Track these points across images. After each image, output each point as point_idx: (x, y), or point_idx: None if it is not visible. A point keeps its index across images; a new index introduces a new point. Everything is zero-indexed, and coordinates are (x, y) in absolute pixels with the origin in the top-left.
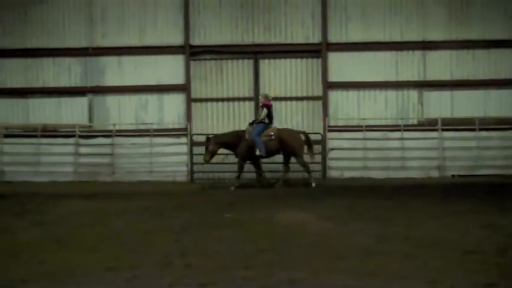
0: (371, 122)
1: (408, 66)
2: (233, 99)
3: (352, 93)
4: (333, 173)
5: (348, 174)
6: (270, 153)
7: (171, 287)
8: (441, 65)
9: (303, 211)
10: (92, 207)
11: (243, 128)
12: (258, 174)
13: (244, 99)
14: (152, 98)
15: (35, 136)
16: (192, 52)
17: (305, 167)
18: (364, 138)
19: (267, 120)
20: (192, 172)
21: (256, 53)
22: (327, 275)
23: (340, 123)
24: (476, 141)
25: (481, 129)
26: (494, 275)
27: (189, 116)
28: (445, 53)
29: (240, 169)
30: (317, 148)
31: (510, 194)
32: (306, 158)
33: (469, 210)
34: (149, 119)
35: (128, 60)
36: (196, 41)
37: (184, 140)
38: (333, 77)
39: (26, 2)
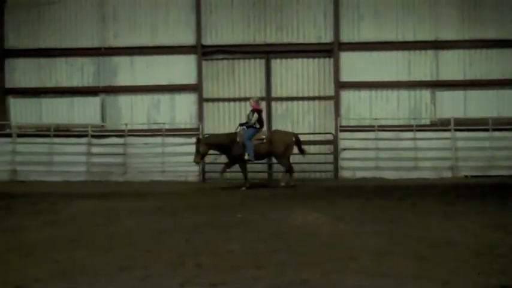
0: (383, 122)
1: (421, 66)
2: (245, 99)
3: (364, 93)
4: (345, 173)
5: (360, 174)
6: (260, 157)
7: (182, 287)
8: (454, 64)
9: (315, 211)
10: (105, 206)
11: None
12: (245, 177)
13: None
14: (164, 98)
15: (48, 136)
16: (204, 52)
17: (286, 167)
18: (376, 139)
19: (258, 125)
20: (204, 172)
21: (268, 52)
22: (339, 275)
23: (352, 123)
24: (489, 142)
25: (494, 130)
26: (507, 276)
27: (200, 116)
28: (457, 53)
29: (244, 170)
30: (329, 148)
31: None
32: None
33: (482, 211)
34: (161, 118)
35: (140, 60)
36: (208, 40)
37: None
38: (345, 77)
39: (39, 2)
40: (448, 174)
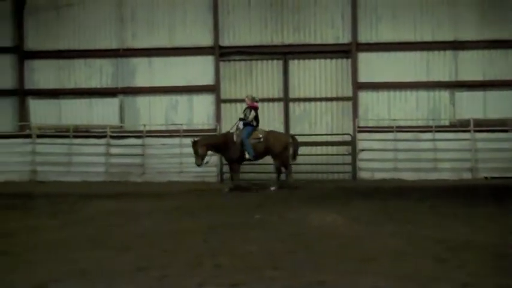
0: (402, 123)
1: (439, 66)
2: (262, 100)
3: (383, 94)
4: (363, 174)
5: (378, 175)
6: (257, 156)
7: (200, 287)
8: (473, 65)
9: (332, 212)
10: (123, 207)
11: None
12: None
13: (273, 100)
14: (182, 99)
15: (67, 136)
16: (222, 53)
17: (278, 170)
18: (394, 139)
19: (254, 123)
20: (221, 173)
21: (286, 53)
22: (356, 276)
23: (371, 124)
24: (509, 143)
25: None
26: None
27: (218, 117)
28: (477, 53)
29: (235, 171)
30: (347, 149)
31: None
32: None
33: (502, 213)
34: (179, 119)
35: (158, 61)
36: (225, 41)
37: None
38: (363, 78)
39: (58, 4)
40: (467, 175)
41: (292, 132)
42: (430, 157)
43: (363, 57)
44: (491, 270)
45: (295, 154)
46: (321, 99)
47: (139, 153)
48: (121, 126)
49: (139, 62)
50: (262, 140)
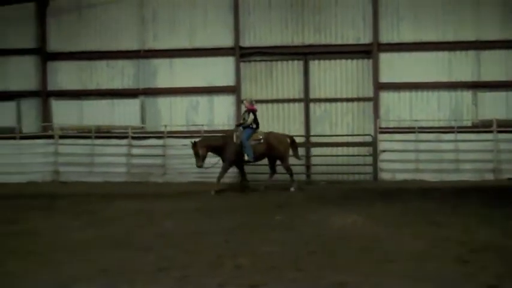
0: (423, 124)
1: (462, 66)
2: (283, 101)
3: (404, 94)
4: (384, 175)
5: (399, 176)
6: (257, 158)
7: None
8: (496, 65)
9: (354, 214)
10: (144, 207)
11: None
12: (243, 178)
13: (294, 100)
14: (202, 100)
15: (89, 137)
16: (242, 53)
17: (288, 170)
18: (416, 140)
19: (254, 126)
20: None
21: (306, 54)
22: (378, 278)
23: (392, 124)
24: None
25: None
26: None
27: (238, 118)
28: (500, 53)
29: (224, 173)
30: (368, 150)
31: None
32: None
33: None
34: (200, 120)
35: (178, 62)
36: (246, 42)
37: None
38: (384, 78)
39: (80, 5)
40: (490, 176)
41: (312, 133)
42: (452, 158)
43: (384, 57)
44: None
45: (297, 154)
46: (341, 100)
47: (160, 153)
48: (142, 127)
49: (161, 63)
50: (262, 141)
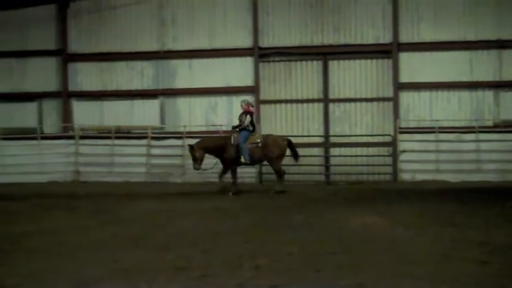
0: (444, 124)
1: (483, 66)
2: (302, 101)
3: (424, 94)
4: (404, 176)
5: (419, 177)
6: (255, 161)
7: None
8: None
9: (373, 215)
10: (163, 207)
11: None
12: (221, 176)
13: (313, 100)
14: (221, 100)
15: (109, 138)
16: (261, 54)
17: (278, 173)
18: (436, 140)
19: (251, 128)
20: (261, 173)
21: (326, 54)
22: (397, 279)
23: (412, 124)
24: None
25: None
26: None
27: (257, 118)
28: None
29: (234, 175)
30: (387, 150)
31: None
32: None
33: None
34: (219, 120)
35: (198, 62)
36: (265, 42)
37: None
38: (404, 78)
39: (100, 7)
40: (511, 177)
41: (331, 133)
42: (473, 158)
43: (404, 57)
44: None
45: (296, 156)
46: (361, 100)
47: (180, 154)
48: (162, 128)
49: (180, 64)
50: (260, 144)
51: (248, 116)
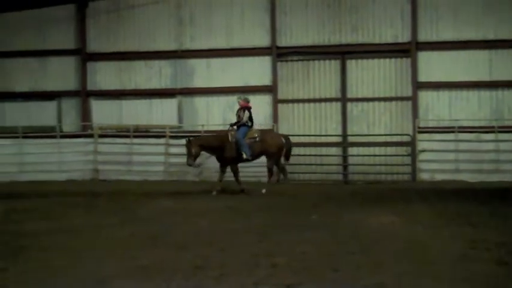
0: (463, 124)
1: (503, 65)
2: (320, 100)
3: (443, 94)
4: (423, 176)
5: (438, 176)
6: (254, 156)
7: (256, 287)
8: None
9: (391, 214)
10: (180, 206)
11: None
12: (221, 176)
13: (330, 100)
14: None
15: (128, 136)
16: (279, 53)
17: (270, 171)
18: (456, 140)
19: (249, 123)
20: (278, 172)
21: (344, 53)
22: (415, 279)
23: (431, 124)
24: None
25: None
26: None
27: (275, 117)
28: None
29: (236, 173)
30: (406, 150)
31: None
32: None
33: None
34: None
35: (215, 62)
36: (282, 42)
37: None
38: (422, 77)
39: (119, 7)
40: None
41: (349, 132)
42: (492, 158)
43: (423, 56)
44: None
45: (288, 155)
46: (379, 99)
47: None
48: (180, 126)
49: (198, 63)
50: (258, 139)
51: (246, 111)
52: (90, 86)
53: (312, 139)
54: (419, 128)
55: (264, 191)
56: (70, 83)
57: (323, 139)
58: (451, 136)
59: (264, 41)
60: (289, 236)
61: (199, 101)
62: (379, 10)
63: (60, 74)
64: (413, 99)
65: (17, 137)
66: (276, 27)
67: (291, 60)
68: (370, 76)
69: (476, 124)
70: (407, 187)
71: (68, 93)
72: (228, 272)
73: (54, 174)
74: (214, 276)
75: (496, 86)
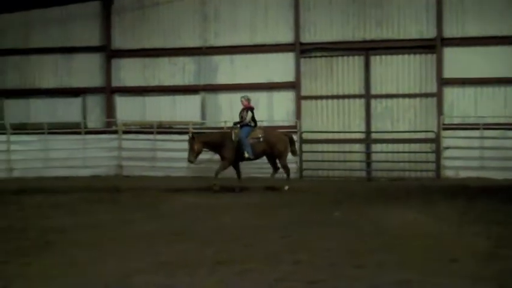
0: (489, 120)
1: None
2: (343, 97)
3: (469, 90)
4: (447, 173)
5: (463, 174)
6: (257, 156)
7: (279, 283)
8: None
9: (415, 211)
10: (203, 201)
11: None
12: (239, 177)
13: (354, 96)
14: (262, 96)
15: (151, 133)
16: (302, 49)
17: (285, 169)
18: (481, 137)
19: (252, 124)
20: (301, 169)
21: (368, 49)
22: (441, 277)
23: (456, 121)
24: None
25: None
26: None
27: (298, 114)
28: None
29: (221, 170)
30: (430, 147)
31: None
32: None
33: None
34: (259, 116)
35: (239, 58)
36: (306, 38)
37: (293, 137)
38: (448, 73)
39: (144, 3)
40: None
41: (373, 129)
42: None
43: (448, 52)
44: None
45: (294, 151)
46: (403, 96)
47: None
48: (203, 123)
49: (221, 60)
50: (261, 139)
51: (249, 112)
52: (114, 83)
53: (335, 136)
54: (443, 124)
55: (286, 188)
56: (95, 79)
57: (346, 136)
58: (476, 133)
59: (287, 37)
60: (313, 232)
61: (223, 98)
62: (404, 5)
63: (85, 70)
64: (438, 96)
65: (43, 133)
66: (299, 23)
67: (315, 57)
68: (395, 72)
69: (502, 121)
70: (432, 184)
71: (92, 89)
72: (251, 268)
73: (79, 170)
74: (236, 272)
75: None
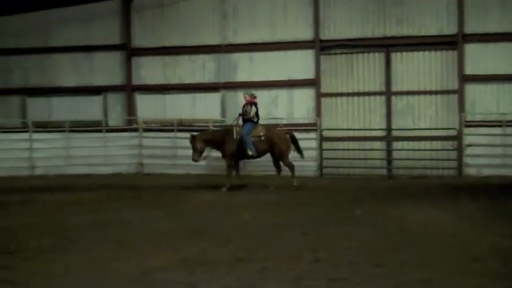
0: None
1: None
2: (363, 94)
3: (491, 87)
4: (469, 171)
5: (486, 172)
6: (259, 154)
7: (298, 281)
8: None
9: (437, 210)
10: (223, 199)
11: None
12: (237, 174)
13: (374, 93)
14: (282, 93)
15: (172, 130)
16: (322, 46)
17: (289, 167)
18: (503, 134)
19: (256, 119)
20: (321, 167)
21: (388, 46)
22: (462, 276)
23: (478, 118)
24: None
25: None
26: None
27: (318, 111)
28: None
29: (230, 170)
30: (452, 144)
31: None
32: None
33: None
34: (279, 113)
35: (258, 56)
36: (326, 35)
37: (313, 135)
38: (469, 70)
39: (163, 2)
40: None
41: (394, 126)
42: None
43: (470, 48)
44: None
45: (298, 150)
46: (424, 93)
47: None
48: (223, 120)
49: (241, 57)
50: (263, 138)
51: (253, 106)
52: (135, 81)
53: (356, 133)
54: (465, 121)
55: (295, 183)
56: (115, 77)
57: (367, 133)
58: (498, 130)
59: (307, 34)
60: (333, 230)
61: (242, 95)
62: (424, 2)
63: (106, 69)
64: (460, 93)
65: (64, 131)
66: (319, 20)
67: (335, 54)
68: (415, 69)
69: None
70: (453, 182)
71: (113, 87)
72: (270, 266)
73: (100, 167)
74: (256, 270)
75: None
